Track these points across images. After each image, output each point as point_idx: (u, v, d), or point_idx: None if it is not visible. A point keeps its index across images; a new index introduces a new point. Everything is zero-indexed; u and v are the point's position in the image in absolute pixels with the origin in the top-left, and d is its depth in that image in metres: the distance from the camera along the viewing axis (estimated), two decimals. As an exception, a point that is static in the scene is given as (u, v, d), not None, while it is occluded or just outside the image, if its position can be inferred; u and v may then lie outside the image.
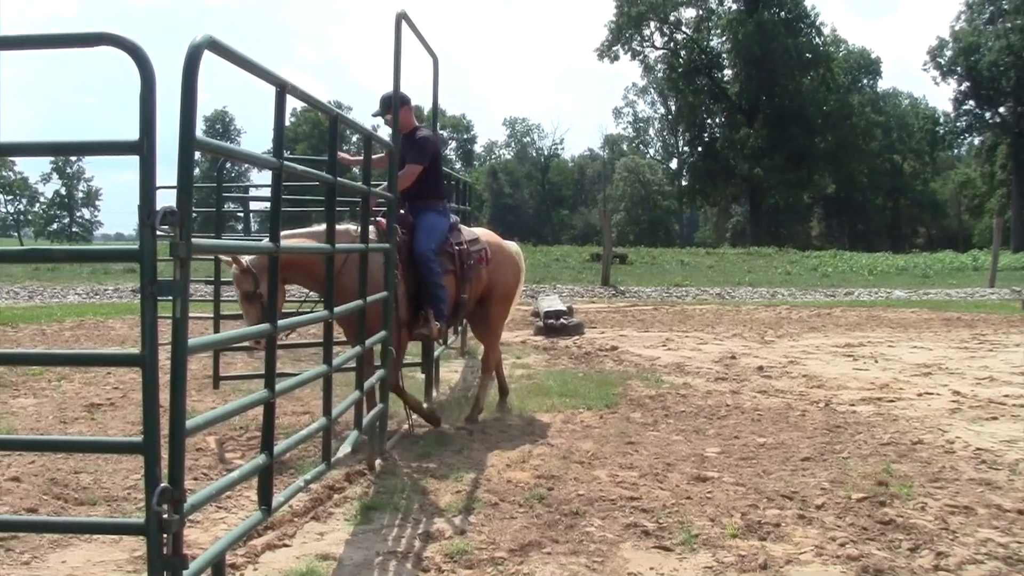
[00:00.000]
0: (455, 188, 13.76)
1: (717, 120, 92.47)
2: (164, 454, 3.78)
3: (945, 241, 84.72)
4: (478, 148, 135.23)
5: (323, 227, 8.10)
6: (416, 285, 8.74)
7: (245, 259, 7.41)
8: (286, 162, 5.00)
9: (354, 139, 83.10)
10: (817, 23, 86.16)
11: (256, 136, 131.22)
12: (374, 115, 8.97)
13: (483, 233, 9.94)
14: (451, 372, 12.49)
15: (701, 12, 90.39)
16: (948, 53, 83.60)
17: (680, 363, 13.63)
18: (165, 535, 3.74)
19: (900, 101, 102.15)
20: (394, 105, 8.08)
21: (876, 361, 14.05)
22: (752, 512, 6.48)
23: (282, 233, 8.46)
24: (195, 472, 7.41)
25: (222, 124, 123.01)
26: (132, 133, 3.61)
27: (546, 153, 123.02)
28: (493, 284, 9.65)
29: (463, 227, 9.70)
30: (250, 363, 12.80)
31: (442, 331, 9.16)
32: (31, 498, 6.71)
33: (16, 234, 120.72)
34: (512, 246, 10.30)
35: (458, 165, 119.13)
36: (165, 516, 3.70)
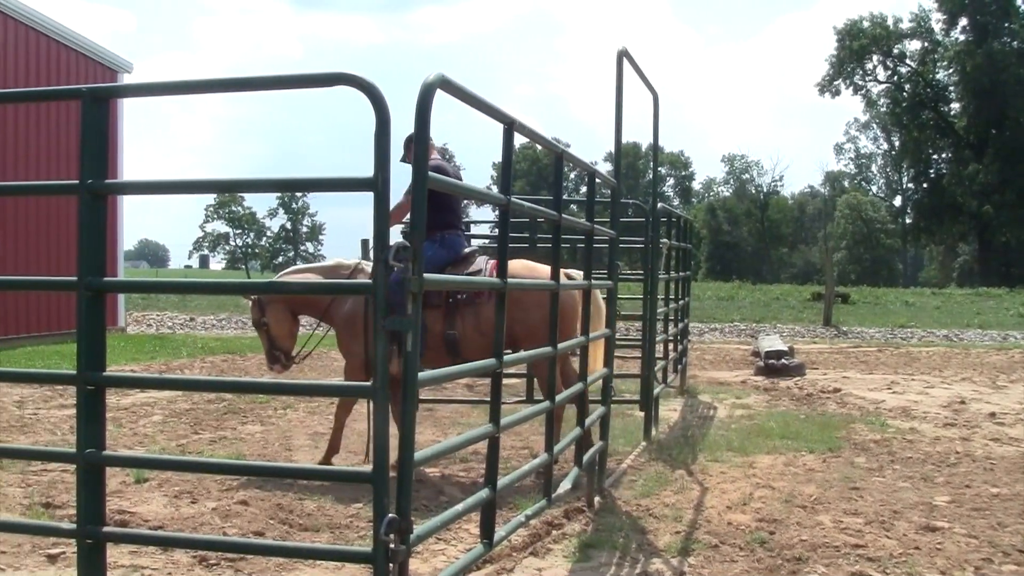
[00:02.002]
0: (676, 225, 13.62)
1: (943, 155, 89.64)
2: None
3: None
4: (696, 185, 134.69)
5: (326, 263, 9.28)
6: None
7: None
8: (513, 199, 5.04)
9: (572, 175, 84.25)
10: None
11: (473, 172, 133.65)
12: (401, 160, 8.59)
13: (519, 267, 8.41)
14: (670, 411, 12.36)
15: (926, 44, 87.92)
16: None
17: (906, 407, 13.19)
18: (391, 564, 3.79)
19: None
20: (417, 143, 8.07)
21: (1121, 409, 13.28)
22: (986, 567, 6.20)
23: (292, 268, 9.29)
24: (415, 502, 7.52)
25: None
26: (352, 169, 3.70)
27: (765, 190, 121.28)
28: (511, 322, 8.00)
29: (484, 258, 8.74)
30: (465, 392, 12.97)
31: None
32: (258, 522, 6.93)
33: (244, 267, 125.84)
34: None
35: (676, 202, 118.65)
36: (392, 546, 3.75)
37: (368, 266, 8.58)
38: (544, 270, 8.19)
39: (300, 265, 9.38)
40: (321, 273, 8.91)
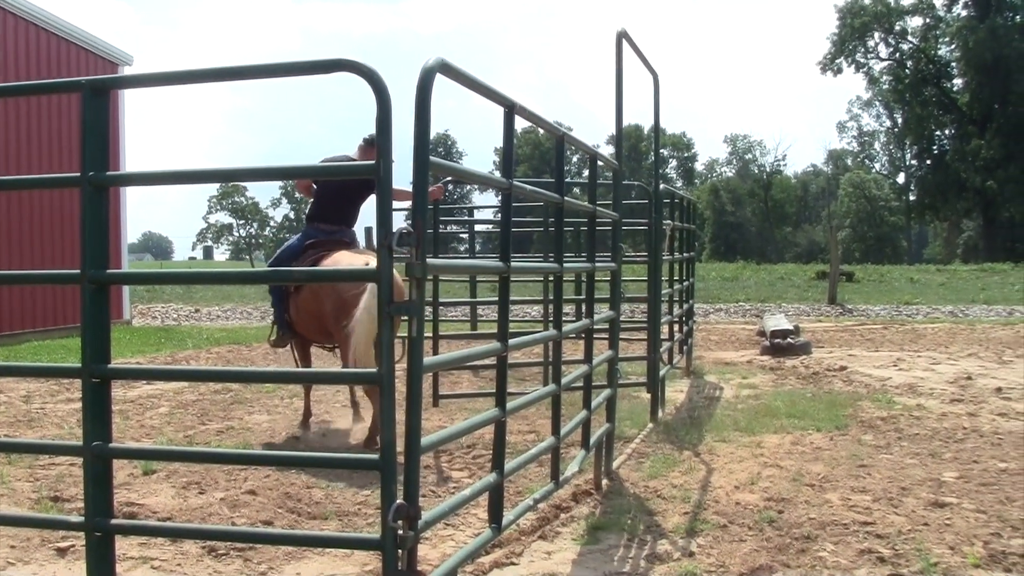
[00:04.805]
0: (679, 206, 13.60)
1: (946, 131, 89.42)
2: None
3: None
4: (699, 166, 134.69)
5: None
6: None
7: None
8: (515, 182, 5.02)
9: (575, 159, 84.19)
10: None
11: (475, 158, 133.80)
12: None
13: (346, 258, 9.13)
14: (676, 392, 12.36)
15: (928, 20, 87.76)
16: None
17: (912, 384, 13.16)
18: (400, 551, 3.79)
19: None
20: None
21: None
22: (995, 541, 6.17)
23: None
24: (422, 489, 7.52)
25: (444, 147, 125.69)
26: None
27: (768, 170, 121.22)
28: (321, 305, 9.06)
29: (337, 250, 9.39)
30: (474, 382, 13.03)
31: (274, 340, 10.22)
32: (266, 511, 6.94)
33: (248, 257, 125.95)
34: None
35: (679, 183, 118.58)
36: (401, 532, 3.75)
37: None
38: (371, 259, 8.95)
39: None
40: None
